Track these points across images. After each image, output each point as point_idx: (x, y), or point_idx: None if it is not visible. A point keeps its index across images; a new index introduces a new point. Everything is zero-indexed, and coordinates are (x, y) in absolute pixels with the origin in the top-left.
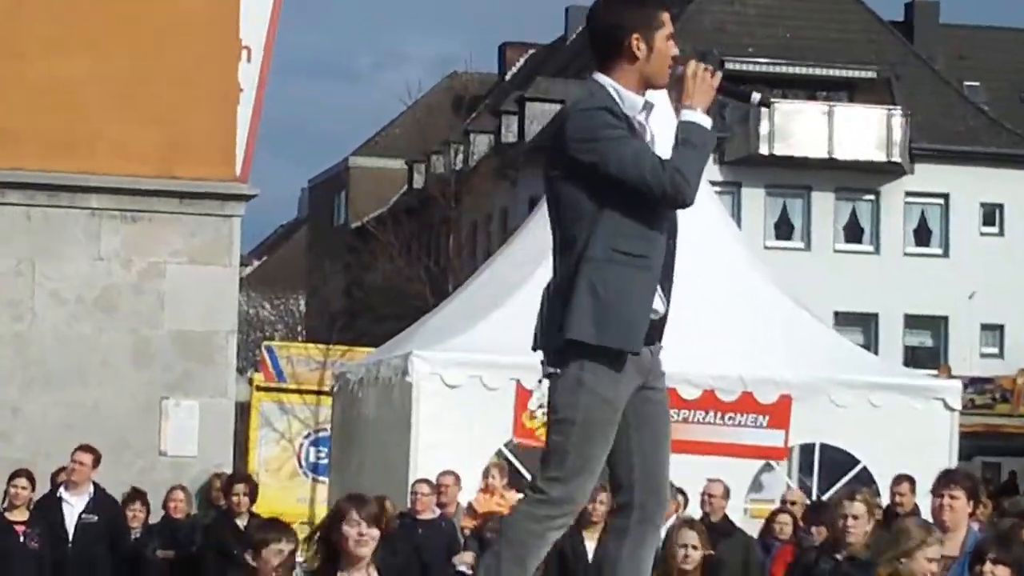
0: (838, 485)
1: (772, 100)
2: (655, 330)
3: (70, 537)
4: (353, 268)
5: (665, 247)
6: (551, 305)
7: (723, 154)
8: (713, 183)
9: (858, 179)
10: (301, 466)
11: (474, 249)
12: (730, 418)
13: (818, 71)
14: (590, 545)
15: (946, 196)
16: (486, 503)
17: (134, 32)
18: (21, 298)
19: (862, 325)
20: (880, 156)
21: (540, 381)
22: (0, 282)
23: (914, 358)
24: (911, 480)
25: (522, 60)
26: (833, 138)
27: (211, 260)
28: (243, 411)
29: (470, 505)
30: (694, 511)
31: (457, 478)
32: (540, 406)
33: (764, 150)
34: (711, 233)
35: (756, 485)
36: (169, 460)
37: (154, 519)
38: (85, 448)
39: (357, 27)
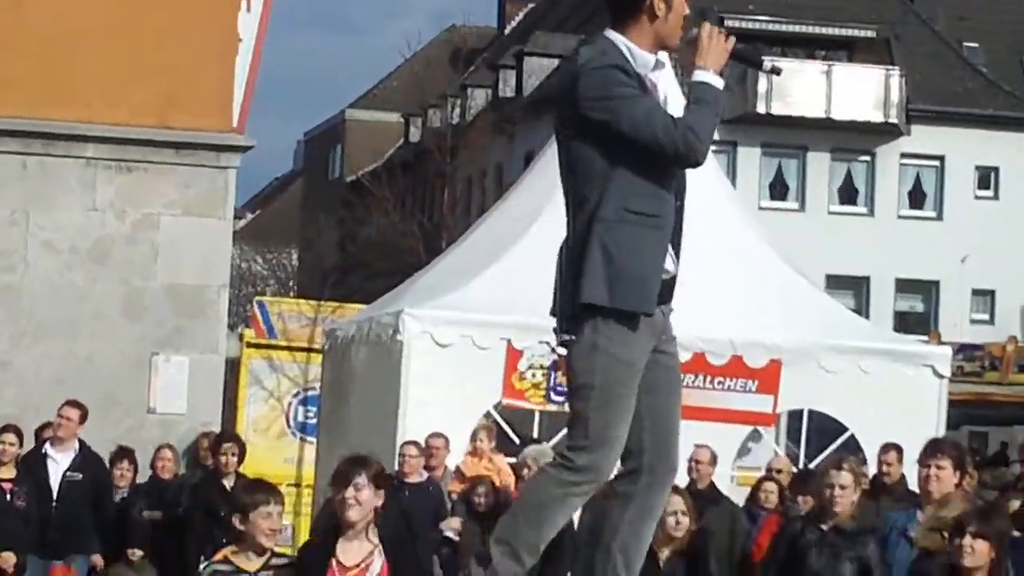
0: (826, 453)
1: (782, 67)
2: (666, 290)
3: (54, 495)
4: (347, 222)
5: (674, 206)
6: (566, 269)
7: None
8: None
9: (854, 140)
10: (289, 426)
11: (468, 205)
12: (719, 382)
13: (817, 30)
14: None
15: (941, 158)
16: (474, 467)
17: None
18: (15, 247)
19: (853, 288)
20: (877, 117)
21: (553, 349)
22: None
23: (904, 323)
24: (899, 449)
25: (521, 14)
26: (831, 98)
27: (206, 212)
28: (232, 368)
29: (458, 468)
30: (681, 477)
31: (447, 441)
32: (530, 367)
33: (761, 108)
34: (707, 193)
35: (743, 451)
36: (158, 418)
37: (141, 478)
38: (72, 403)
39: None
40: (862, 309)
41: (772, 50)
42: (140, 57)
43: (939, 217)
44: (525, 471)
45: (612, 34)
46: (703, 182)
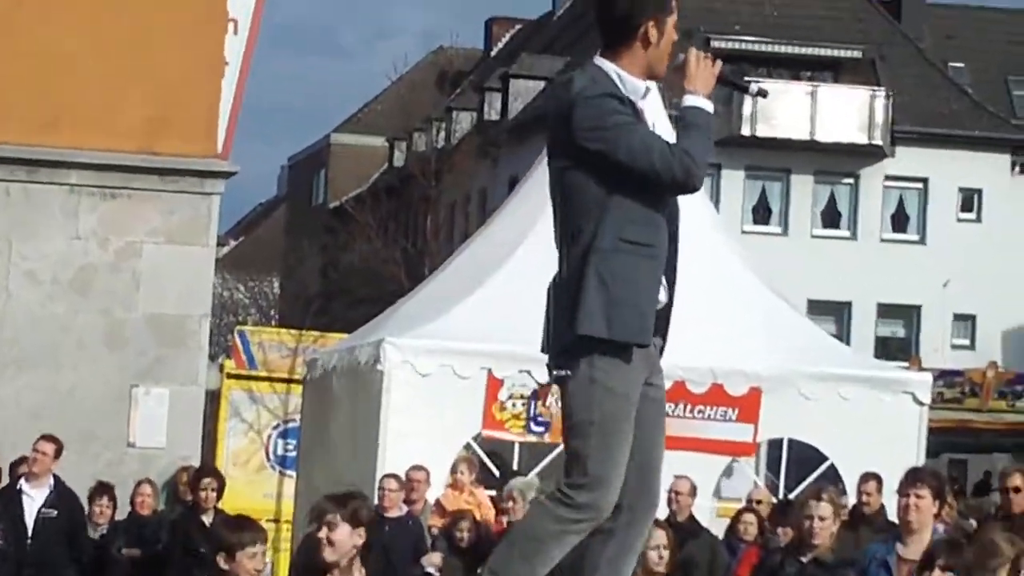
0: (806, 483)
1: (767, 90)
2: (660, 320)
3: (29, 532)
4: (330, 249)
5: (668, 233)
6: (558, 303)
7: None
8: None
9: (838, 162)
10: (269, 459)
11: (452, 230)
12: (699, 411)
13: (803, 50)
14: None
15: (925, 180)
16: (455, 500)
17: (119, 5)
18: None
19: (835, 314)
20: (861, 138)
21: (549, 384)
22: None
23: (886, 348)
24: (878, 478)
25: (508, 36)
26: (815, 119)
27: (189, 240)
28: (212, 399)
29: (438, 502)
30: (661, 509)
31: (428, 474)
32: (510, 396)
33: (746, 131)
34: (691, 217)
35: (723, 483)
36: (137, 452)
37: (121, 514)
38: (47, 438)
39: (344, 0)
40: (843, 334)
41: (758, 70)
42: (125, 82)
43: (922, 241)
44: (510, 503)
45: (602, 61)
46: (687, 206)
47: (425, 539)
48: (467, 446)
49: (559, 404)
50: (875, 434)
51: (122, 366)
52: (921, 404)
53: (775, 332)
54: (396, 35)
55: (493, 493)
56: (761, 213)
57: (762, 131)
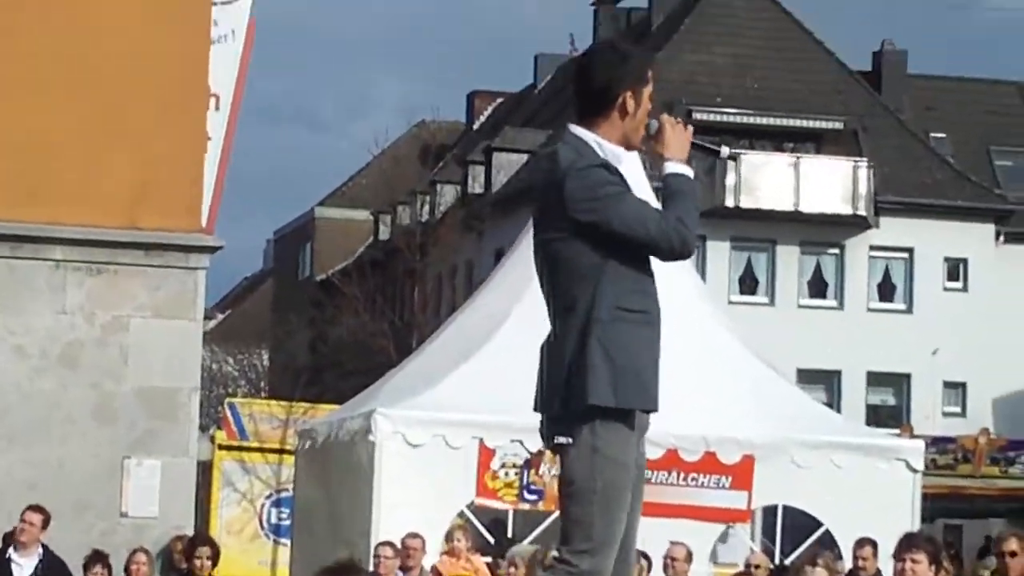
0: (801, 548)
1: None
2: None
3: None
4: (318, 322)
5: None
6: (553, 369)
7: None
8: None
9: (823, 232)
10: (263, 528)
11: (439, 303)
12: (693, 479)
13: (785, 121)
14: None
15: (910, 250)
16: (452, 567)
17: (101, 79)
18: None
19: (825, 383)
20: (846, 209)
21: (544, 450)
22: None
23: (876, 416)
24: (873, 543)
25: (490, 109)
26: (799, 190)
27: (175, 314)
28: (205, 470)
29: (435, 568)
30: (657, 575)
31: (423, 541)
32: (503, 465)
33: (730, 202)
34: (678, 288)
35: (719, 548)
36: (130, 521)
37: None
38: (34, 508)
39: (325, 74)
40: (834, 403)
41: (740, 142)
42: (110, 157)
43: (909, 310)
44: (512, 570)
45: (579, 130)
46: (673, 277)
47: None
48: (460, 514)
49: (552, 472)
50: (869, 501)
51: (113, 439)
52: (914, 471)
53: (765, 400)
54: (375, 109)
55: (489, 560)
56: (748, 283)
57: (746, 202)
